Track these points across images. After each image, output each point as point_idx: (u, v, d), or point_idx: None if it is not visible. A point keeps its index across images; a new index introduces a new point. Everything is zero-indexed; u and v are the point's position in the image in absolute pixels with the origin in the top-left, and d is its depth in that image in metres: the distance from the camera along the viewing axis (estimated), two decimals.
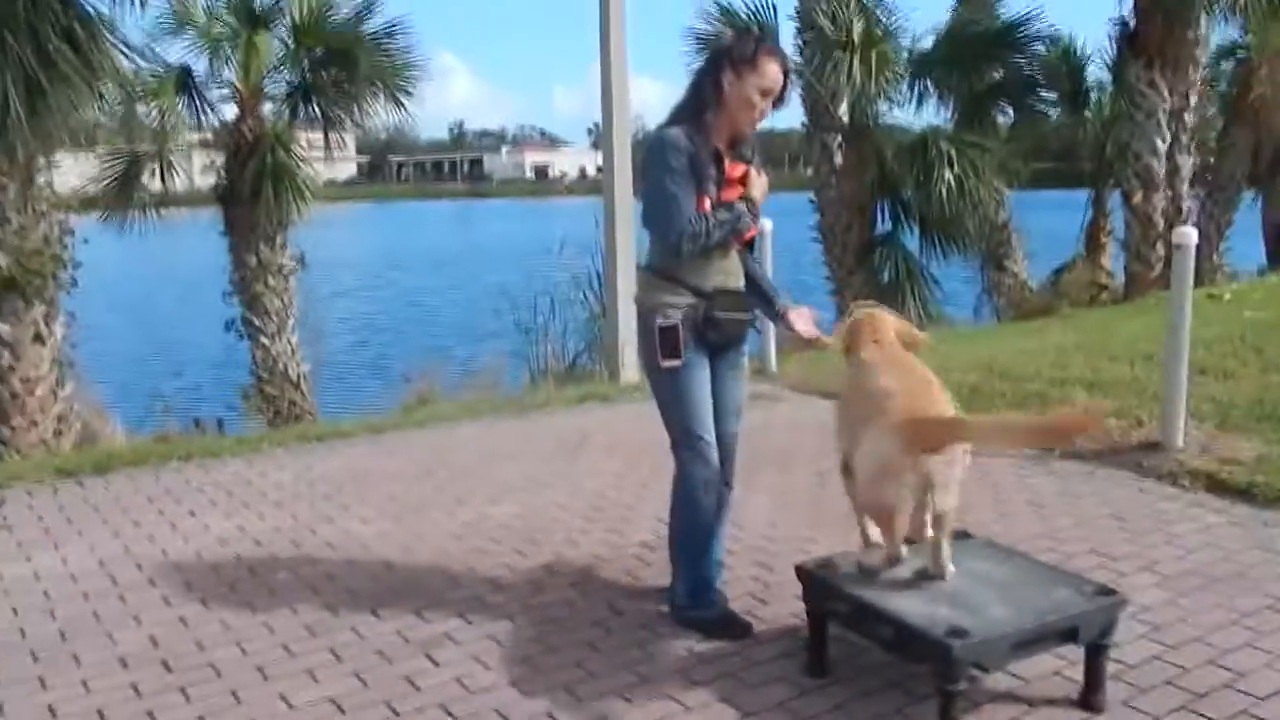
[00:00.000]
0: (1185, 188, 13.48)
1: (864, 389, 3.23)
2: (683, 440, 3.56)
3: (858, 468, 3.15)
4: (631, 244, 8.22)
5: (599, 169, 8.87)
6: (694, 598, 3.64)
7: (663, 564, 3.92)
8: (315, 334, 11.49)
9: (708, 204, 3.39)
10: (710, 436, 3.54)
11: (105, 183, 10.20)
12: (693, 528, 3.61)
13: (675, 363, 3.45)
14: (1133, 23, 12.88)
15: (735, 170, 3.47)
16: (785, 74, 3.43)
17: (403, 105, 10.49)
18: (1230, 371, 6.92)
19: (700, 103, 3.42)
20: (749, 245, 3.66)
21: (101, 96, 8.14)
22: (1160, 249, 12.81)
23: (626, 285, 8.19)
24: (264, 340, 10.27)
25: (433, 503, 5.08)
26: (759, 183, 3.48)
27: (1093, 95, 15.24)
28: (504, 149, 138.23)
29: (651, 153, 3.46)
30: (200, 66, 10.21)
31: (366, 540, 4.58)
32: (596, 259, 10.82)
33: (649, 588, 3.96)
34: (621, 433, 6.31)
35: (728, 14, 12.85)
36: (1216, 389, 6.46)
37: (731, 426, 3.67)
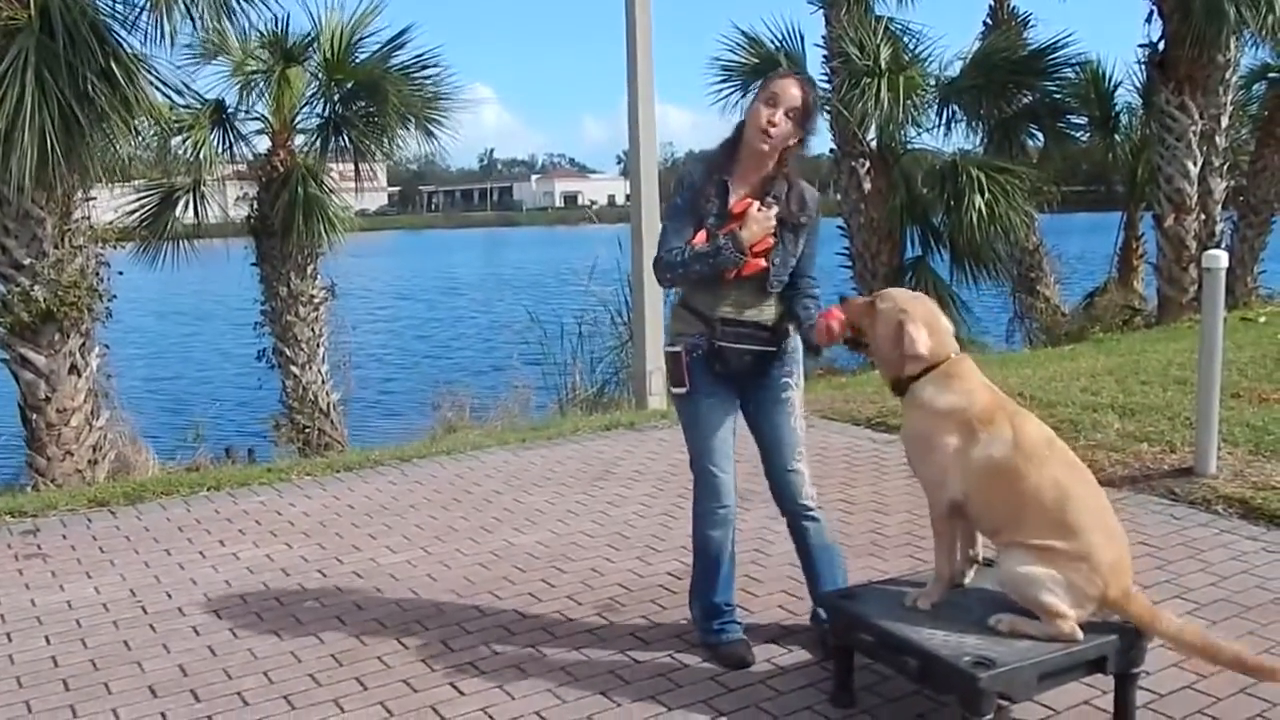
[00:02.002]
0: (1218, 210, 13.38)
1: (1053, 503, 2.97)
2: (692, 467, 3.63)
3: (1047, 584, 2.91)
4: None
5: (628, 197, 8.92)
6: (707, 620, 3.68)
7: (687, 594, 3.91)
8: (345, 363, 11.57)
9: (701, 236, 3.44)
10: (718, 468, 3.55)
11: (140, 215, 10.35)
12: (699, 552, 3.67)
13: (679, 390, 3.55)
14: (1162, 46, 12.83)
15: (738, 206, 3.46)
16: (804, 92, 3.43)
17: (433, 135, 10.59)
18: (1265, 396, 6.84)
19: (729, 138, 3.56)
20: (760, 279, 3.49)
21: (137, 132, 8.27)
22: (1193, 272, 12.69)
23: (653, 313, 8.21)
24: (294, 370, 10.34)
25: (460, 531, 5.10)
26: (755, 219, 3.39)
27: (1123, 119, 15.16)
28: (533, 178, 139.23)
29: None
30: (233, 100, 10.36)
31: (394, 569, 4.60)
32: (623, 285, 10.89)
33: (675, 617, 3.95)
34: (648, 461, 6.32)
35: (754, 43, 12.92)
36: (1251, 414, 6.38)
37: (785, 462, 3.58)
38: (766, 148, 3.43)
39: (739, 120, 3.57)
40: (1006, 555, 3.04)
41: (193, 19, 8.00)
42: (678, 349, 3.52)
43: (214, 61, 10.20)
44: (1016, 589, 2.98)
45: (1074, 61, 13.62)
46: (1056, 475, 3.02)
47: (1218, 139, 13.09)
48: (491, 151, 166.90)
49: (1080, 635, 2.92)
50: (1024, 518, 3.01)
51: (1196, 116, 12.71)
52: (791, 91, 3.41)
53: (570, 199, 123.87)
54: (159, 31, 7.73)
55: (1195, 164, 12.84)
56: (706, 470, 3.56)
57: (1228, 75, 13.08)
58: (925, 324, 3.18)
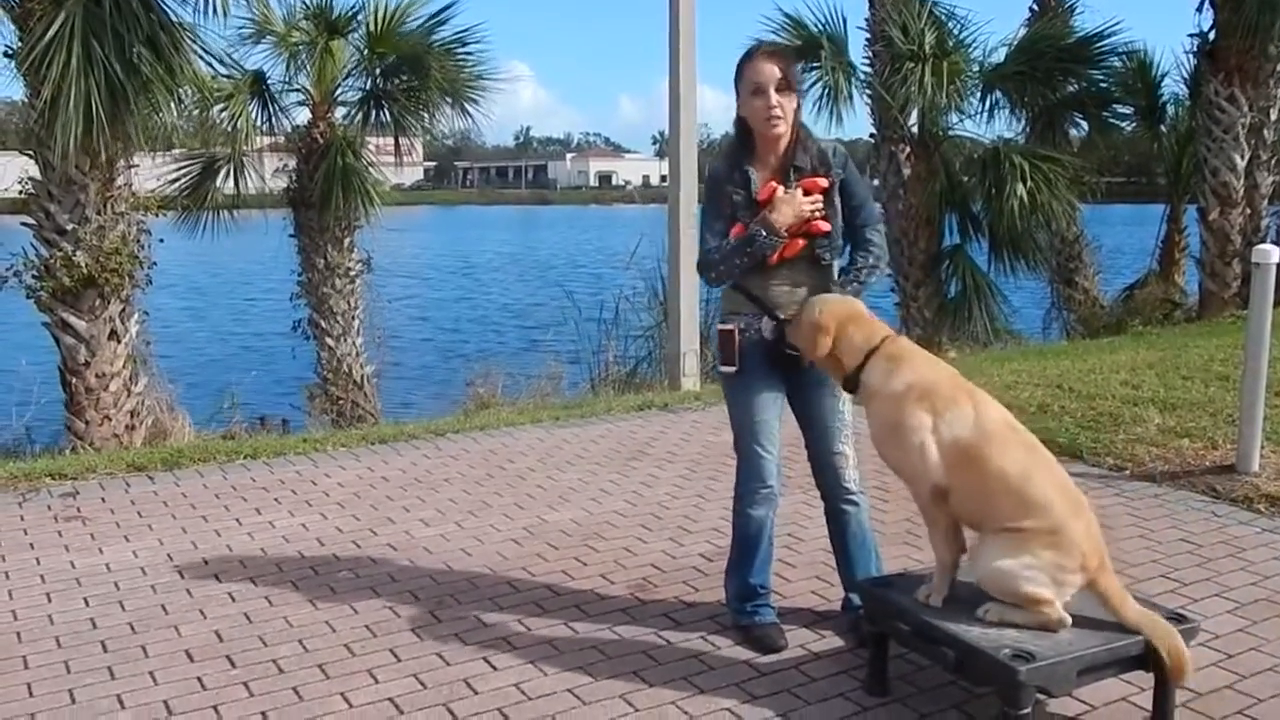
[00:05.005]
0: (1264, 205, 13.15)
1: (1017, 484, 2.97)
2: (736, 447, 3.62)
3: (1018, 570, 2.91)
4: (695, 254, 8.20)
5: (663, 177, 8.87)
6: (741, 601, 3.67)
7: (719, 576, 3.90)
8: (380, 336, 11.61)
9: (738, 229, 3.46)
10: (762, 448, 3.53)
11: (181, 184, 10.41)
12: (738, 532, 3.65)
13: (729, 369, 3.54)
14: (1212, 36, 12.60)
15: (764, 192, 3.45)
16: (779, 63, 3.39)
17: (469, 114, 10.59)
18: None
19: (735, 132, 3.57)
20: (809, 256, 3.48)
21: (180, 100, 8.33)
22: (1236, 267, 12.49)
23: (688, 295, 8.18)
24: (330, 341, 10.40)
25: (493, 507, 5.11)
26: (783, 200, 3.38)
27: (1169, 110, 14.91)
28: (568, 156, 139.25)
29: None
30: (276, 72, 10.38)
31: (427, 542, 4.62)
32: (658, 265, 10.86)
33: (707, 599, 3.95)
34: (681, 442, 6.31)
35: (797, 25, 12.78)
36: None
37: (830, 444, 3.58)
38: (781, 130, 3.43)
39: (738, 115, 3.51)
40: (980, 551, 3.03)
41: None
42: (731, 327, 3.52)
43: (261, 42, 10.22)
44: (995, 586, 2.97)
45: (1121, 50, 13.39)
46: (1019, 456, 3.02)
47: (1266, 132, 12.83)
48: (528, 129, 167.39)
49: (1068, 620, 2.90)
50: (993, 501, 3.00)
51: (1245, 109, 12.47)
52: (768, 69, 3.38)
53: (605, 178, 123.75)
54: (208, 4, 7.77)
55: (1242, 157, 12.60)
56: (751, 450, 3.54)
57: (1279, 68, 12.83)
58: (834, 312, 3.25)
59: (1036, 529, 2.92)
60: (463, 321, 23.27)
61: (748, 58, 3.44)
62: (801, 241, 3.45)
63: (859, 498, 3.64)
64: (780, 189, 3.42)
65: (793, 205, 3.39)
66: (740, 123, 3.51)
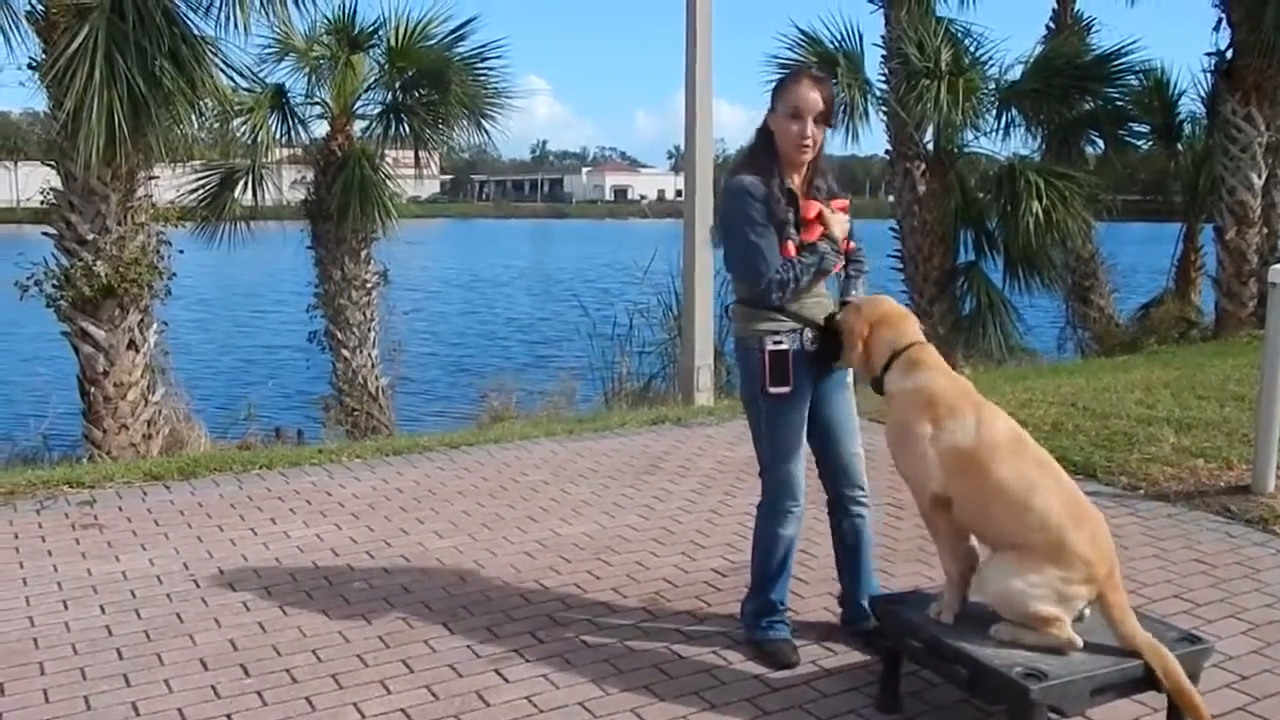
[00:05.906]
0: None
1: (1018, 495, 2.96)
2: (770, 468, 3.59)
3: (1025, 589, 2.89)
4: (711, 268, 8.23)
5: (678, 192, 8.89)
6: (758, 617, 3.67)
7: (733, 591, 3.91)
8: (395, 348, 11.65)
9: (792, 248, 3.43)
10: (798, 467, 3.55)
11: (200, 195, 10.48)
12: (765, 553, 3.64)
13: (784, 390, 3.45)
14: (1229, 56, 12.59)
15: (810, 210, 3.47)
16: (822, 93, 3.42)
17: (485, 130, 10.66)
18: None
19: (759, 145, 3.54)
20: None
21: (201, 113, 8.41)
22: (1253, 286, 12.46)
23: (703, 309, 8.20)
24: (345, 353, 10.44)
25: (506, 519, 5.13)
26: (837, 220, 3.47)
27: (1186, 128, 14.89)
28: (584, 170, 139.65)
29: (727, 201, 3.52)
30: (297, 87, 10.46)
31: (441, 554, 4.64)
32: (674, 281, 10.89)
33: (719, 613, 3.95)
34: (694, 457, 6.32)
35: (813, 41, 12.82)
36: None
37: (851, 446, 3.64)
38: (808, 159, 3.48)
39: (764, 127, 3.52)
40: (986, 570, 3.04)
41: (267, 13, 8.15)
42: (785, 347, 3.44)
43: (283, 60, 10.32)
44: (1002, 606, 2.97)
45: (1138, 68, 13.39)
46: (1022, 469, 3.02)
47: None
48: (544, 143, 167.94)
49: (1079, 642, 2.89)
50: (993, 512, 3.02)
51: (1263, 128, 12.46)
52: (812, 98, 3.40)
53: (620, 193, 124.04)
54: (229, 20, 7.87)
55: (1259, 176, 12.59)
56: (787, 470, 3.54)
57: None
58: (866, 315, 3.34)
59: (1039, 544, 2.92)
60: (470, 335, 23.31)
61: (794, 79, 3.47)
62: (843, 260, 3.55)
63: (869, 500, 3.70)
64: (824, 208, 3.48)
65: (841, 222, 3.48)
66: (765, 134, 3.51)
